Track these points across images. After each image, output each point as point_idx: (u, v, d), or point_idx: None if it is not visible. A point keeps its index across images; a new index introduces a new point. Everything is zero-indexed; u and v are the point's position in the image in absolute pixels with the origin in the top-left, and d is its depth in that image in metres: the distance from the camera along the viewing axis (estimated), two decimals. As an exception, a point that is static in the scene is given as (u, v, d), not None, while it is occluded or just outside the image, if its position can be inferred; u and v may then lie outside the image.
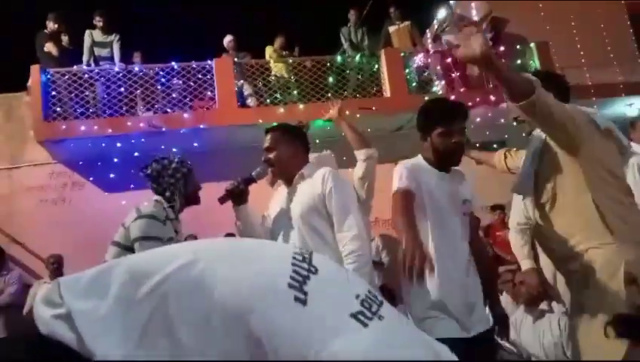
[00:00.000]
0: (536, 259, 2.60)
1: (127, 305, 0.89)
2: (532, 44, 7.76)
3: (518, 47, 7.82)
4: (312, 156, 2.35)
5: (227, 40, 7.25)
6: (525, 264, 2.55)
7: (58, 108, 6.39)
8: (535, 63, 7.68)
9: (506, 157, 2.37)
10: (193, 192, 2.43)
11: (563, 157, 1.80)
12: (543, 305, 2.91)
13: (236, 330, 0.85)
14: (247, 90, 6.97)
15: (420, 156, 2.08)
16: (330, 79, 7.07)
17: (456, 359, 0.93)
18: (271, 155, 2.17)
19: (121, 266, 0.94)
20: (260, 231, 2.20)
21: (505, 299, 3.17)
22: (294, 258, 0.96)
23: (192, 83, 6.78)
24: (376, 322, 0.89)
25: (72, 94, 6.46)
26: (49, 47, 6.40)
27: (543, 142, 1.87)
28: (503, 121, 7.43)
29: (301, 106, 6.75)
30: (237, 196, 2.16)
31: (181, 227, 2.44)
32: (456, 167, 2.10)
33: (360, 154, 2.50)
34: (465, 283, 1.95)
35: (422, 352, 0.91)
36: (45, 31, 6.53)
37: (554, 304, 2.95)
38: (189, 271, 0.91)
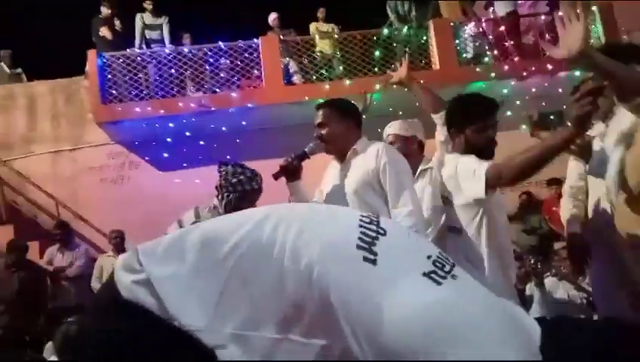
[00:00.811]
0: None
1: (204, 271, 0.92)
2: (594, 8, 7.24)
3: (578, 11, 7.31)
4: (399, 122, 2.33)
5: (272, 17, 7.24)
6: (569, 229, 2.40)
7: (114, 91, 6.66)
8: (597, 28, 7.17)
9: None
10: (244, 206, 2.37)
11: None
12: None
13: (308, 291, 0.86)
14: (292, 67, 6.97)
15: (455, 154, 2.02)
16: (377, 53, 6.92)
17: (537, 325, 0.90)
18: (323, 131, 2.16)
19: (195, 233, 0.97)
20: None
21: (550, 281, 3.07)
22: (362, 220, 0.96)
23: (239, 62, 6.85)
24: (450, 281, 0.87)
25: (127, 77, 6.71)
26: (104, 32, 6.64)
27: (634, 123, 1.75)
28: (560, 90, 7.03)
29: (347, 82, 6.68)
30: (291, 172, 2.18)
31: None
32: None
33: (438, 118, 2.33)
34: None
35: (494, 307, 0.89)
36: (100, 16, 6.78)
37: None
38: (260, 236, 0.93)
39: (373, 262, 0.87)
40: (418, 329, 0.80)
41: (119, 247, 5.32)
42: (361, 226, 0.93)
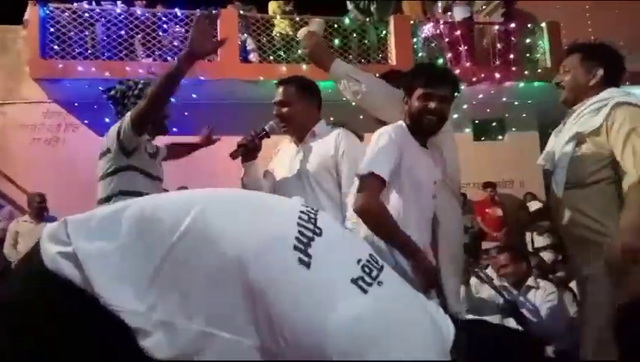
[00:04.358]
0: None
1: (137, 251, 0.89)
2: (543, 24, 7.63)
3: (528, 25, 7.68)
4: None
5: (233, -9, 7.04)
6: None
7: (56, 46, 6.23)
8: (544, 43, 7.57)
9: None
10: (161, 118, 2.27)
11: (610, 145, 1.81)
12: (530, 281, 2.99)
13: (241, 288, 0.86)
14: (250, 44, 6.83)
15: (401, 122, 1.87)
16: (337, 41, 6.93)
17: (452, 326, 0.96)
18: (283, 110, 2.09)
19: (131, 210, 0.94)
20: (266, 187, 2.13)
21: (490, 272, 3.23)
22: (300, 217, 0.97)
23: (194, 32, 6.61)
24: (376, 288, 0.90)
25: (71, 32, 6.29)
26: None
27: (596, 128, 1.84)
28: (505, 99, 7.38)
29: (304, 67, 6.63)
30: (251, 151, 2.09)
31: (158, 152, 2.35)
32: (434, 142, 1.92)
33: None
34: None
35: (417, 313, 0.93)
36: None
37: (541, 281, 3.04)
38: (199, 225, 0.91)
39: (308, 265, 0.89)
40: (343, 341, 0.82)
41: (40, 213, 4.96)
42: (299, 224, 0.94)
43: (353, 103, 2.16)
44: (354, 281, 0.89)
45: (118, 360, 0.85)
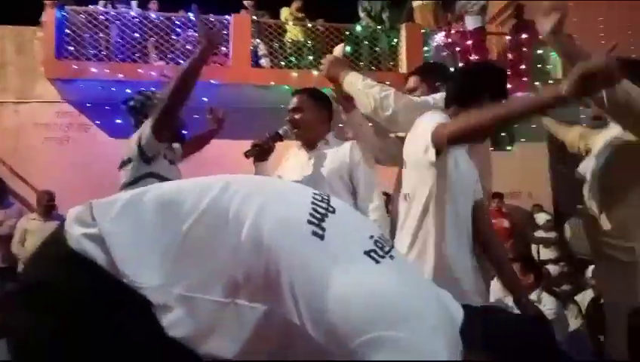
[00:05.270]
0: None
1: (158, 231, 0.92)
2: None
3: (540, 36, 7.65)
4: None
5: (247, -3, 7.11)
6: None
7: (71, 47, 6.32)
8: (556, 55, 7.55)
9: (580, 138, 2.18)
10: (177, 126, 2.33)
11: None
12: (533, 295, 2.97)
13: (258, 260, 0.89)
14: (262, 50, 6.88)
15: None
16: (348, 48, 6.95)
17: (461, 309, 0.96)
18: (297, 116, 2.20)
19: (153, 193, 0.97)
20: None
21: (495, 285, 3.22)
22: (314, 197, 1.00)
23: (207, 36, 6.67)
24: (388, 260, 0.92)
25: (86, 34, 6.38)
26: None
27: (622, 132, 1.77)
28: (515, 110, 7.32)
29: (315, 73, 6.67)
30: (264, 152, 2.20)
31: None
32: None
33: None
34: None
35: (427, 290, 0.95)
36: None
37: (544, 295, 3.03)
38: (219, 204, 0.94)
39: (321, 237, 0.91)
40: (356, 307, 0.84)
41: (48, 211, 5.01)
42: (313, 203, 0.97)
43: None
44: (367, 253, 0.91)
45: (134, 346, 0.87)
